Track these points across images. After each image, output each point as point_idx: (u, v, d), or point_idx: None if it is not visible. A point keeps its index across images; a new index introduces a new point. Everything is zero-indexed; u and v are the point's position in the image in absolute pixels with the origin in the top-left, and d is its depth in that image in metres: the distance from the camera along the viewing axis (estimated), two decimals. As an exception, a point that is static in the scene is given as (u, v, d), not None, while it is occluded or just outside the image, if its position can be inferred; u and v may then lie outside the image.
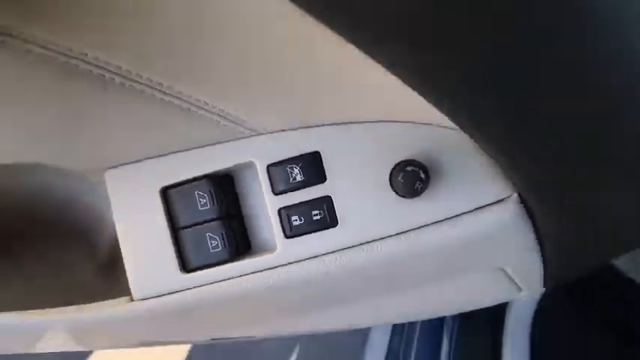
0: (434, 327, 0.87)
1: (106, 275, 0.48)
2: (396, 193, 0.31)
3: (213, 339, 0.49)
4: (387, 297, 0.42)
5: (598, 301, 1.16)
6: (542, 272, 0.41)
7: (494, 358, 0.83)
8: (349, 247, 0.33)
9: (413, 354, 0.83)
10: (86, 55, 0.26)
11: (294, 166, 0.32)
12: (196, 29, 0.25)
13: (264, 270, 0.34)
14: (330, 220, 0.32)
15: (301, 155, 0.32)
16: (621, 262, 1.11)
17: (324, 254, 0.33)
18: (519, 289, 0.45)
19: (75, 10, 0.24)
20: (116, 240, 0.44)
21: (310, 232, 0.33)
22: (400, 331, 0.87)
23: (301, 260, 0.34)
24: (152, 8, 0.24)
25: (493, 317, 0.87)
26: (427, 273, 0.39)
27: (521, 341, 0.87)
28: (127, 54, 0.27)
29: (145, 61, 0.27)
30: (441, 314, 0.58)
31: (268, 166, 0.33)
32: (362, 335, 0.90)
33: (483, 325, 0.86)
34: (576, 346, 1.05)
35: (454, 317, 0.88)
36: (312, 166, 0.32)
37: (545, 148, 0.23)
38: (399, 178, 0.30)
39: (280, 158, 0.32)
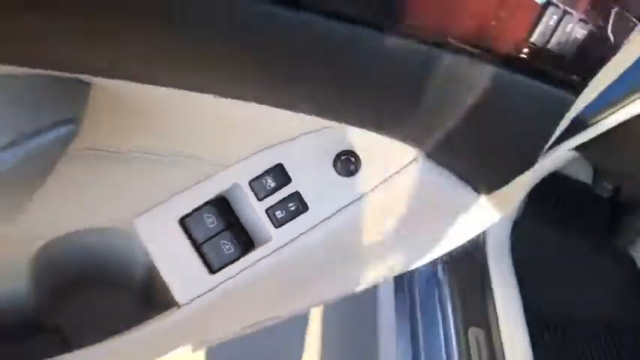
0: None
1: (142, 303, 0.60)
2: (341, 175, 0.44)
3: (252, 325, 0.62)
4: (371, 254, 0.55)
5: (570, 210, 1.30)
6: (473, 188, 0.54)
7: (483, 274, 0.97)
8: (322, 221, 0.46)
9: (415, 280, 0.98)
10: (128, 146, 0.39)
11: (266, 177, 0.45)
12: (186, 120, 0.38)
13: (268, 256, 0.47)
14: (302, 207, 0.45)
15: (269, 169, 0.45)
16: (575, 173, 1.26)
17: (306, 232, 0.46)
18: (466, 211, 0.58)
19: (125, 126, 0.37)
20: (146, 273, 0.56)
21: (291, 220, 0.46)
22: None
23: (291, 241, 0.47)
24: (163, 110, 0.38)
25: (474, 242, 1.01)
26: (391, 225, 0.52)
27: (504, 256, 1.01)
28: (152, 139, 0.40)
29: (160, 141, 0.41)
30: (423, 261, 0.71)
31: (249, 182, 0.45)
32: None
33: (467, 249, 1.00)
34: (554, 251, 1.19)
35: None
36: (279, 174, 0.45)
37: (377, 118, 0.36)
38: (339, 165, 0.43)
39: (256, 175, 0.45)
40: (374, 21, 0.29)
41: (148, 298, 0.60)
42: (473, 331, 0.95)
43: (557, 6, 0.30)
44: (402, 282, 1.05)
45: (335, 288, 0.60)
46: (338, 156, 0.43)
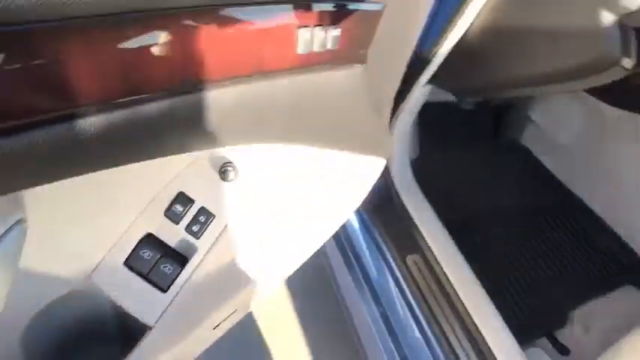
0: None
1: (118, 344, 0.71)
2: (228, 182, 0.57)
3: (220, 324, 0.74)
4: (285, 232, 0.69)
5: (454, 128, 1.49)
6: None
7: (402, 210, 1.12)
8: (229, 221, 0.59)
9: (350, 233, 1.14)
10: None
11: (175, 206, 0.58)
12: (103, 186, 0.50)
13: (200, 263, 0.60)
14: (210, 217, 0.59)
15: (175, 198, 0.58)
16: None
17: (221, 233, 0.59)
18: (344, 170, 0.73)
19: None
20: (118, 316, 0.68)
21: (206, 229, 0.59)
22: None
23: (213, 244, 0.60)
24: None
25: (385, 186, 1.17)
26: (294, 205, 0.66)
27: (414, 190, 1.17)
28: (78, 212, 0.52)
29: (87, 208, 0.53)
30: (341, 220, 0.85)
31: (164, 214, 0.58)
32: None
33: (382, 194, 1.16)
34: (456, 167, 1.37)
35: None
36: (183, 199, 0.58)
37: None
38: (224, 175, 0.56)
39: (166, 207, 0.58)
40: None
41: (127, 337, 0.71)
42: (410, 258, 1.11)
43: (306, 26, 0.44)
44: (340, 238, 1.20)
45: (271, 267, 0.73)
46: (221, 169, 0.57)
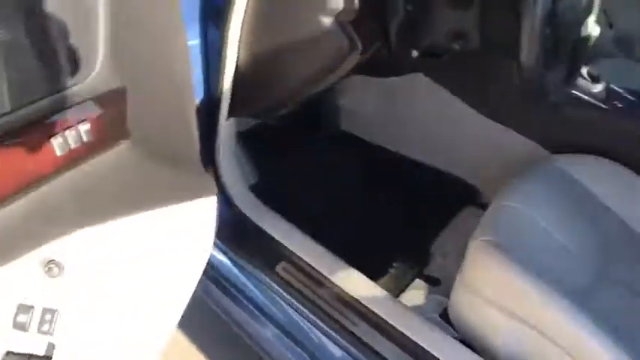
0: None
1: None
2: (54, 278, 0.65)
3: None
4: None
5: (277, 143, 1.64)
6: None
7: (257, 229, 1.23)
8: (76, 312, 0.67)
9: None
10: None
11: (18, 316, 0.64)
12: None
13: (65, 355, 0.67)
14: (55, 313, 0.66)
15: (16, 310, 0.64)
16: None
17: (72, 324, 0.67)
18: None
19: None
20: None
21: (55, 325, 0.66)
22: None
23: (70, 335, 0.67)
24: None
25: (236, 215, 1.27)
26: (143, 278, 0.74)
27: (259, 208, 1.29)
28: None
29: None
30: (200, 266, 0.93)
31: (12, 329, 0.64)
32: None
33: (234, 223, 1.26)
34: (293, 177, 1.51)
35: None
36: (23, 308, 0.64)
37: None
38: (49, 273, 0.64)
39: (11, 321, 0.64)
40: None
41: None
42: (279, 267, 1.21)
43: (55, 134, 0.54)
44: (214, 275, 1.28)
45: (145, 333, 0.80)
46: (44, 268, 0.64)
